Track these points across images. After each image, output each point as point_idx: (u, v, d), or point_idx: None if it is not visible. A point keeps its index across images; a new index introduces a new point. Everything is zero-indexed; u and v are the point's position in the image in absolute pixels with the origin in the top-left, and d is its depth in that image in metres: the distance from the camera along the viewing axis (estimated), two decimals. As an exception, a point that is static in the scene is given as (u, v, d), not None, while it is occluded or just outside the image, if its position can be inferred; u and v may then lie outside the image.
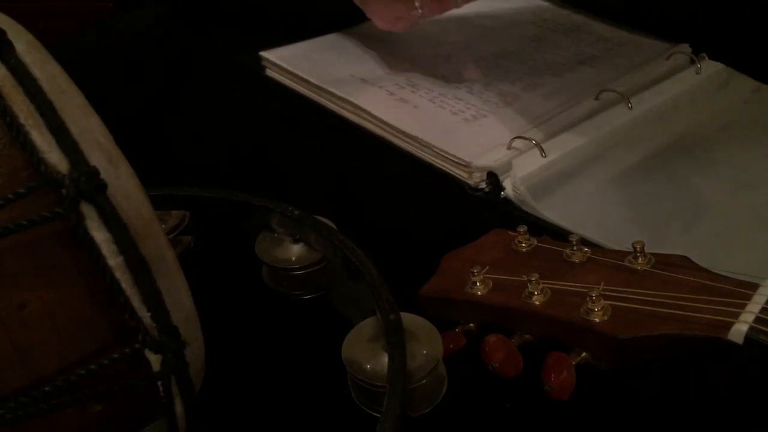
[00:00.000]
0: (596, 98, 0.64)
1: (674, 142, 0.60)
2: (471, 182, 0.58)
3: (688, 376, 0.41)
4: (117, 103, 0.69)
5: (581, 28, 0.78)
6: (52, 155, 0.28)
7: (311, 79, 0.70)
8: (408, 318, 0.42)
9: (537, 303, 0.41)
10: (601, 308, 0.39)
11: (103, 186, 0.28)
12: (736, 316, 0.36)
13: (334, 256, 0.47)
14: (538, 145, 0.58)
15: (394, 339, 0.39)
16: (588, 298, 0.39)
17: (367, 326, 0.42)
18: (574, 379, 0.39)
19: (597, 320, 0.39)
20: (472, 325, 0.43)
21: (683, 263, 0.41)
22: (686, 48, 0.70)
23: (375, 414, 0.41)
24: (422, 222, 0.56)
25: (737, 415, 0.40)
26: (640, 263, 0.41)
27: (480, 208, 0.57)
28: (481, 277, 0.43)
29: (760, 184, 0.55)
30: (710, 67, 0.68)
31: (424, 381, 0.40)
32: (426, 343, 0.41)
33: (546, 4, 0.82)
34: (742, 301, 0.37)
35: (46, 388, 0.28)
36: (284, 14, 0.82)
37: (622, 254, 0.43)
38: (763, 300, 0.36)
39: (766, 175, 0.56)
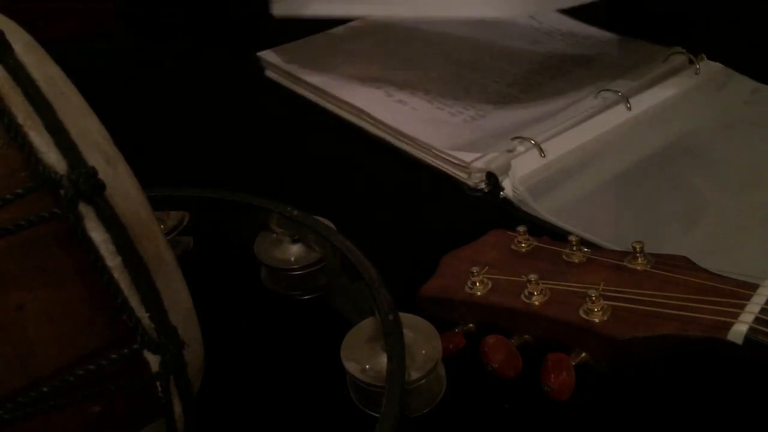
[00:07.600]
0: (595, 98, 0.64)
1: (673, 143, 0.60)
2: (470, 183, 0.58)
3: (688, 376, 0.41)
4: (116, 103, 0.69)
5: (579, 34, 0.78)
6: (51, 156, 0.28)
7: (309, 80, 0.70)
8: (407, 318, 0.42)
9: (536, 303, 0.41)
10: (601, 309, 0.39)
11: (101, 186, 0.28)
12: (736, 316, 0.36)
13: (333, 257, 0.47)
14: (537, 145, 0.58)
15: (393, 339, 0.39)
16: (587, 299, 0.39)
17: (365, 326, 0.42)
18: (573, 379, 0.39)
19: (596, 321, 0.39)
20: (471, 325, 0.43)
21: (683, 263, 0.41)
22: (683, 52, 0.69)
23: (374, 414, 0.40)
24: (422, 222, 0.56)
25: (737, 415, 0.40)
26: (640, 263, 0.41)
27: (479, 209, 0.57)
28: (481, 277, 0.43)
29: (759, 184, 0.55)
30: (709, 67, 0.68)
31: (422, 381, 0.40)
32: (425, 344, 0.41)
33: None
34: (741, 302, 0.37)
35: (45, 389, 0.28)
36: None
37: (622, 254, 0.43)
38: (763, 300, 0.36)
39: (766, 175, 0.56)
